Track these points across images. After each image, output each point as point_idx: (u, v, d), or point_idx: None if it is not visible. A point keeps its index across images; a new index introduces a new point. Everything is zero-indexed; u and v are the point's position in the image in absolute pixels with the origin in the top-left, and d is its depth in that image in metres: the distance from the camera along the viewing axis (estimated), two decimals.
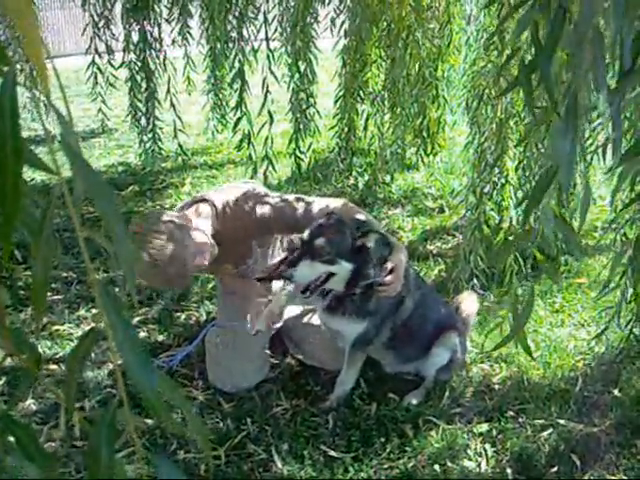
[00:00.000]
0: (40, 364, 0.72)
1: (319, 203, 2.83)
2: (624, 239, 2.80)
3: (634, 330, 3.06)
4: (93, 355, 3.16)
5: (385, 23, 4.50)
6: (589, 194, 1.29)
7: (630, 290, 2.84)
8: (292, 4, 4.64)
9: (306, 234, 2.56)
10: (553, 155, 1.22)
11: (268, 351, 3.11)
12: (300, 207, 2.81)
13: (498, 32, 3.34)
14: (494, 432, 2.68)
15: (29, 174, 5.56)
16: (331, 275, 2.57)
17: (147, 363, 0.64)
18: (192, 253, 2.54)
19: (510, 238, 3.81)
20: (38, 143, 6.04)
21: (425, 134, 5.71)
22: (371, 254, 2.56)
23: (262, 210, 2.79)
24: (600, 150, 2.82)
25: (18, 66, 5.74)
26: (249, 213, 2.80)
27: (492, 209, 4.00)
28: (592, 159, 3.54)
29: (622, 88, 1.14)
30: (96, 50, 5.39)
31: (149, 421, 2.71)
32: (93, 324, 3.39)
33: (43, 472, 0.66)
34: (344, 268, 2.55)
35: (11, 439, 0.68)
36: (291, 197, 2.87)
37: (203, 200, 2.84)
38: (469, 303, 3.19)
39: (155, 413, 0.64)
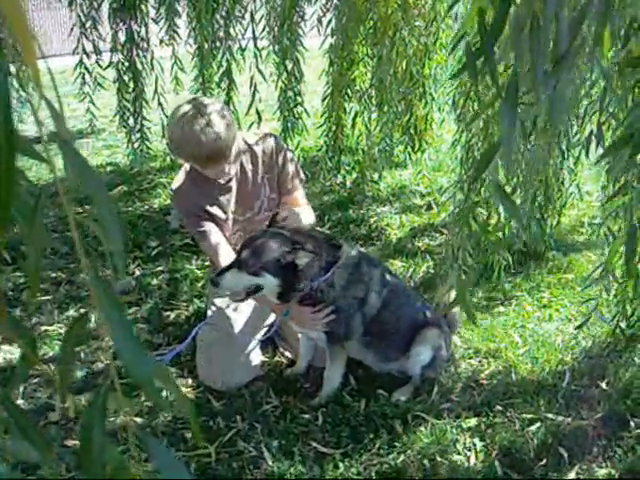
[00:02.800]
0: (36, 349, 0.73)
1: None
2: (608, 233, 2.82)
3: (620, 324, 3.09)
4: (83, 355, 3.16)
5: (371, 21, 4.51)
6: (566, 188, 1.33)
7: (615, 284, 2.87)
8: (279, 3, 4.63)
9: (240, 245, 2.72)
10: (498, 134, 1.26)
11: (258, 349, 3.12)
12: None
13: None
14: (483, 427, 2.70)
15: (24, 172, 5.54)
16: (259, 287, 2.68)
17: (140, 348, 0.65)
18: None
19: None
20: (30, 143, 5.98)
21: (413, 132, 5.72)
22: (302, 270, 2.65)
23: (287, 157, 3.13)
24: (584, 145, 2.84)
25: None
26: (274, 156, 3.10)
27: (480, 205, 4.01)
28: (580, 155, 3.57)
29: (558, 71, 1.19)
30: (83, 50, 5.35)
31: (139, 420, 2.71)
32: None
33: (41, 453, 0.67)
34: (269, 282, 2.65)
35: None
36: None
37: None
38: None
39: (148, 397, 0.65)
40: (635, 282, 2.73)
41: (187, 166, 3.05)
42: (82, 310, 3.55)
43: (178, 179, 3.06)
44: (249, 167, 3.07)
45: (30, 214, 0.67)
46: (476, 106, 3.56)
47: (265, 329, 3.13)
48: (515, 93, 1.15)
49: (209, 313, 3.20)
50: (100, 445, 0.65)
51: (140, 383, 0.65)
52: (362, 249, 3.62)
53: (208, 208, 3.00)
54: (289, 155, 3.15)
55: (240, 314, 3.10)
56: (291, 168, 3.13)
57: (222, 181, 3.00)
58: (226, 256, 2.93)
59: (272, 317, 3.12)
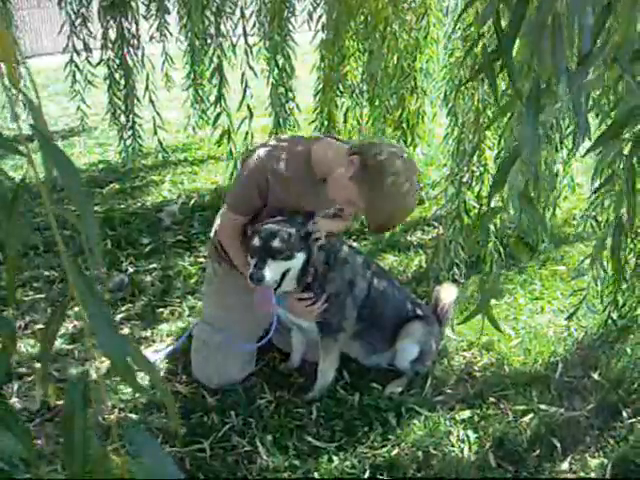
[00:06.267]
0: (16, 340, 0.73)
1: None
2: (595, 225, 2.84)
3: (612, 315, 3.10)
4: (77, 352, 3.16)
5: (362, 16, 4.51)
6: (554, 179, 1.33)
7: (603, 274, 2.89)
8: None
9: (257, 240, 2.61)
10: (518, 138, 1.25)
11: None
12: None
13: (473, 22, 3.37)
14: (476, 418, 2.71)
15: (10, 173, 5.54)
16: (287, 271, 2.67)
17: (115, 330, 0.65)
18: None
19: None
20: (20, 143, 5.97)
21: (405, 126, 5.71)
22: (314, 239, 2.70)
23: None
24: (572, 136, 2.84)
25: None
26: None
27: (471, 199, 4.02)
28: (572, 148, 3.58)
29: (582, 71, 1.17)
30: (74, 48, 5.35)
31: (134, 416, 2.72)
32: (76, 322, 3.39)
33: (21, 443, 0.67)
34: (299, 259, 2.67)
35: None
36: None
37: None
38: (447, 294, 3.22)
39: (123, 378, 0.65)
40: (621, 272, 2.74)
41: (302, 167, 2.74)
42: (76, 308, 3.54)
43: (289, 159, 2.72)
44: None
45: (8, 207, 0.67)
46: (467, 100, 3.57)
47: (262, 334, 3.08)
48: (537, 97, 1.14)
49: (204, 311, 3.19)
50: (81, 440, 0.65)
51: (114, 361, 0.65)
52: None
53: (273, 205, 2.76)
54: None
55: (235, 312, 3.09)
56: None
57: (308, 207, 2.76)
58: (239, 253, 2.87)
59: (268, 319, 3.06)
